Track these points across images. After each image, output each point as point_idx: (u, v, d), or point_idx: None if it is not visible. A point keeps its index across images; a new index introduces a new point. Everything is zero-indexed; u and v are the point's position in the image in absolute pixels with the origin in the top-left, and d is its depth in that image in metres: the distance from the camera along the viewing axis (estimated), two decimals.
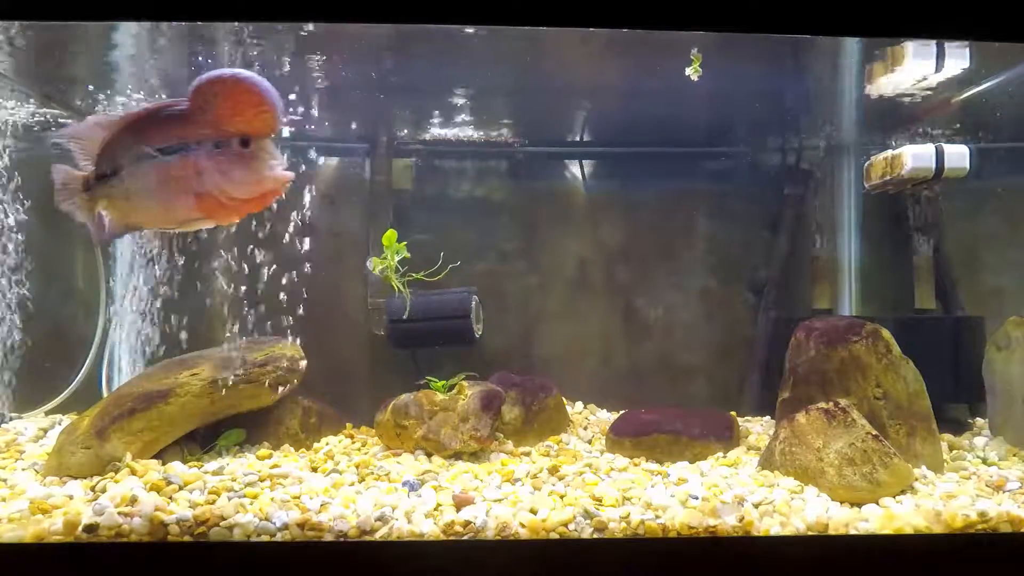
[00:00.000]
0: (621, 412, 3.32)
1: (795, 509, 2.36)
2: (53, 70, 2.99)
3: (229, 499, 2.34)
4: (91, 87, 3.13)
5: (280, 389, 3.00)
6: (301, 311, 3.10)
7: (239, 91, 1.94)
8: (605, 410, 3.64)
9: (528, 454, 3.03)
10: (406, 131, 3.73)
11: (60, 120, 3.48)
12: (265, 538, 2.17)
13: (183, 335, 3.35)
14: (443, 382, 3.08)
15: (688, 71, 2.54)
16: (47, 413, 3.49)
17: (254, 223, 3.06)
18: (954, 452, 3.04)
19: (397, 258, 3.13)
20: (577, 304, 3.86)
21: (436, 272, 3.18)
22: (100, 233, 2.22)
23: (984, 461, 2.95)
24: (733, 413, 3.42)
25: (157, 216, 2.15)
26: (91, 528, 2.14)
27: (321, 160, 3.74)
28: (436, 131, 3.70)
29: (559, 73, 3.05)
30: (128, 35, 2.60)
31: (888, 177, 3.47)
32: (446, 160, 3.87)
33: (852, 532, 2.27)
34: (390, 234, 3.10)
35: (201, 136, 2.00)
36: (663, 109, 3.32)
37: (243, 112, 1.96)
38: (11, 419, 3.41)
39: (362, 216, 3.75)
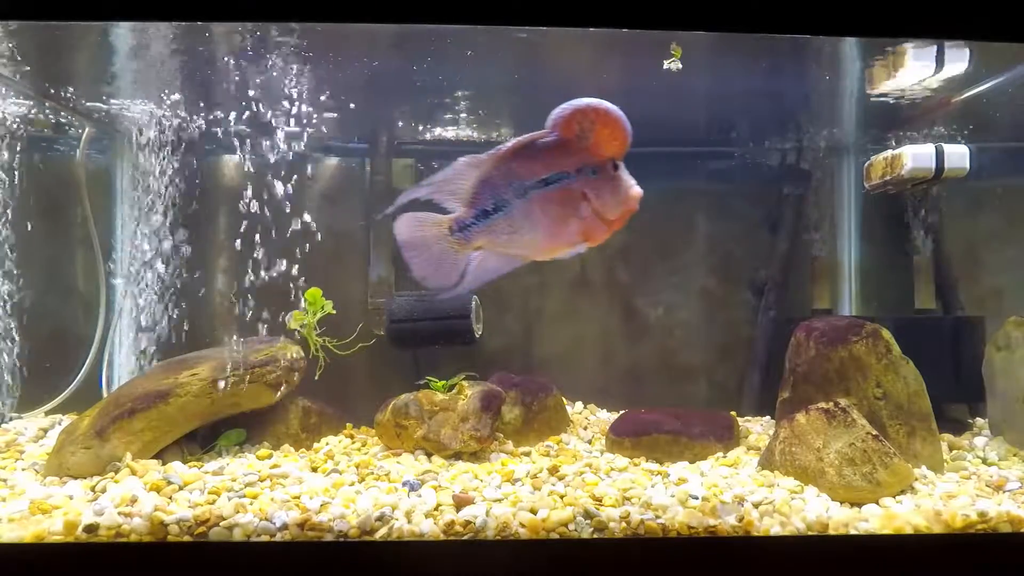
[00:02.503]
0: (621, 412, 3.32)
1: (795, 509, 2.36)
2: (54, 70, 2.99)
3: (229, 499, 2.34)
4: (94, 88, 3.13)
5: (280, 389, 3.01)
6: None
7: (611, 119, 2.07)
8: (605, 410, 3.64)
9: (528, 454, 3.03)
10: (406, 131, 3.73)
11: (61, 120, 3.49)
12: (265, 538, 2.17)
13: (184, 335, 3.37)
14: (443, 382, 3.08)
15: (668, 64, 2.54)
16: (47, 413, 3.49)
17: (251, 223, 3.07)
18: (954, 452, 3.04)
19: (318, 316, 3.08)
20: (577, 304, 3.86)
21: (350, 344, 3.13)
22: (479, 273, 2.23)
23: (984, 461, 2.95)
24: (733, 413, 3.42)
25: (543, 246, 2.20)
26: (91, 528, 2.15)
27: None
28: (436, 131, 3.70)
29: (559, 73, 3.05)
30: (129, 34, 2.60)
31: (888, 177, 3.47)
32: (446, 160, 3.86)
33: (852, 532, 2.27)
34: (314, 291, 3.07)
35: (578, 164, 2.12)
36: (663, 109, 3.32)
37: (616, 138, 2.09)
38: (11, 419, 3.42)
39: (362, 216, 3.75)
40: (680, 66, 2.50)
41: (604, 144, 2.10)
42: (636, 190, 2.15)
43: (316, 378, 3.10)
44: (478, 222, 2.16)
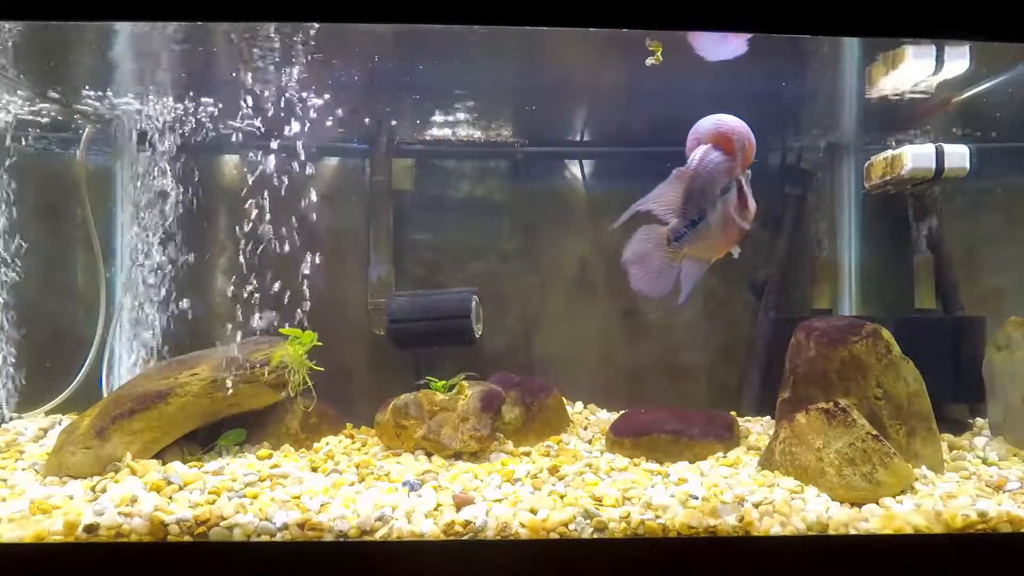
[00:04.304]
0: (621, 412, 3.32)
1: (795, 509, 2.36)
2: (54, 69, 2.99)
3: (229, 499, 2.34)
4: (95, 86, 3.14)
5: (280, 389, 3.00)
6: (301, 311, 3.11)
7: (750, 136, 2.34)
8: (605, 410, 3.64)
9: (528, 454, 3.03)
10: (406, 131, 3.73)
11: (61, 119, 3.49)
12: (265, 538, 2.17)
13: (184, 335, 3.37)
14: (443, 382, 3.08)
15: (649, 61, 2.57)
16: (47, 413, 3.49)
17: (251, 222, 3.07)
18: (954, 452, 3.04)
19: (306, 348, 3.08)
20: (577, 304, 3.86)
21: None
22: (688, 279, 2.42)
23: (984, 461, 2.94)
24: (733, 413, 3.42)
25: (723, 247, 2.42)
26: (91, 528, 2.15)
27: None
28: (436, 131, 3.70)
29: (559, 73, 3.05)
30: (129, 34, 2.60)
31: (888, 177, 3.47)
32: (446, 160, 3.88)
33: (852, 532, 2.27)
34: (293, 330, 3.07)
35: (737, 175, 2.36)
36: (663, 109, 3.32)
37: (752, 151, 2.35)
38: (11, 419, 3.41)
39: (362, 216, 3.75)
40: (660, 60, 2.53)
41: (751, 157, 2.35)
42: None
43: (308, 411, 3.09)
44: (689, 231, 2.35)
